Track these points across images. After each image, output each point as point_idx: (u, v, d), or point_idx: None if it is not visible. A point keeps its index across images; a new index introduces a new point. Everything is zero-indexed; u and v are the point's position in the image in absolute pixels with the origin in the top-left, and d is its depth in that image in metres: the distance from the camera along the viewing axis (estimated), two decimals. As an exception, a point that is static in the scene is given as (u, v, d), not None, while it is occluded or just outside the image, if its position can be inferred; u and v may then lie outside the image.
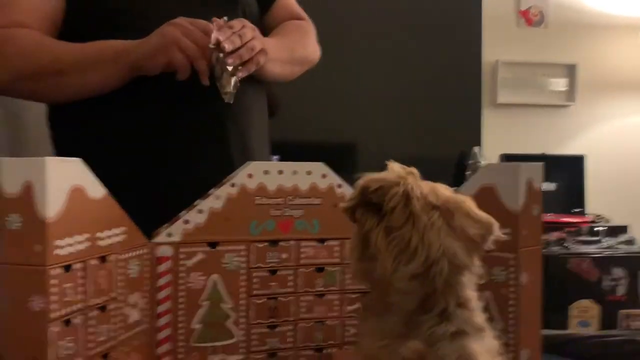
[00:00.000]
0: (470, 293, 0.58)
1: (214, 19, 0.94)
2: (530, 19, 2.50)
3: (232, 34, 0.92)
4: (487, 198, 0.75)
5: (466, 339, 0.54)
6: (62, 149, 1.06)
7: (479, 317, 0.57)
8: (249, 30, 0.96)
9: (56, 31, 0.98)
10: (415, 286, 0.54)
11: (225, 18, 0.95)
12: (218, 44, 0.91)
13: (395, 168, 0.59)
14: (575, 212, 2.03)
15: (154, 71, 0.94)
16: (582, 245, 1.60)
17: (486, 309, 0.74)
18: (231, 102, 0.96)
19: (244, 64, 0.94)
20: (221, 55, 0.91)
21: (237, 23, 0.95)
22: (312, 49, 1.20)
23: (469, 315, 0.56)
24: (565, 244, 1.61)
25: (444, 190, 0.58)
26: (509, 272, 0.73)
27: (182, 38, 0.91)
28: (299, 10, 1.24)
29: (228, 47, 0.90)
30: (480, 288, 0.75)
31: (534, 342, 0.75)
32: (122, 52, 0.94)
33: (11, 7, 0.91)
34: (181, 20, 0.93)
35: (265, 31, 1.15)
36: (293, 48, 1.13)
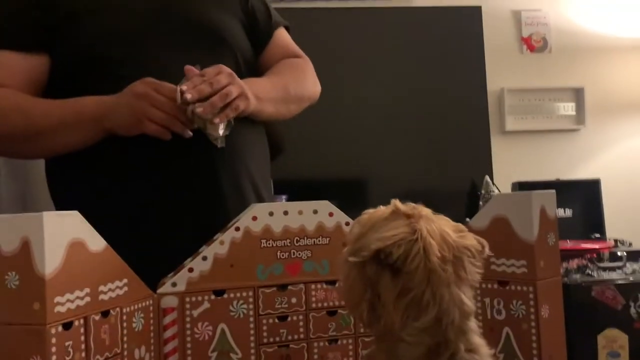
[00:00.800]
0: (479, 340, 0.56)
1: (186, 67, 0.94)
2: (533, 45, 2.51)
3: (200, 83, 0.91)
4: (500, 230, 0.73)
5: None
6: (58, 199, 1.05)
7: None
8: (224, 76, 0.95)
9: (39, 88, 0.98)
10: (425, 338, 0.52)
11: (198, 66, 0.95)
12: (182, 94, 0.91)
13: (401, 208, 0.57)
14: (594, 237, 1.98)
15: (130, 136, 0.94)
16: (605, 271, 1.55)
17: (506, 346, 0.71)
18: (223, 145, 0.97)
19: (222, 109, 0.93)
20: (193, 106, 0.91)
21: (212, 70, 0.95)
22: (309, 86, 1.19)
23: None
24: (587, 272, 1.56)
25: (450, 231, 0.56)
26: (528, 306, 0.69)
27: (151, 109, 0.91)
28: (295, 48, 1.23)
29: (191, 96, 0.89)
30: (499, 324, 0.72)
31: (561, 379, 0.71)
32: (98, 117, 0.94)
33: None
34: (146, 88, 0.92)
35: (262, 71, 1.16)
36: (287, 86, 1.12)
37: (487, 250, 0.57)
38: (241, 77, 1.01)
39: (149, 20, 1.02)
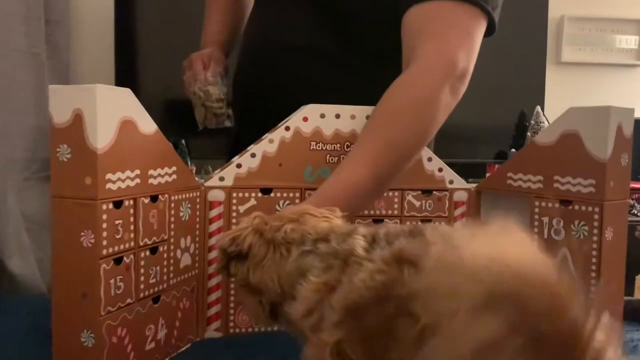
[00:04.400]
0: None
1: None
2: (600, -29, 2.31)
3: None
4: (569, 146, 0.68)
5: None
6: None
7: None
8: None
9: None
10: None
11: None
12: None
13: (245, 220, 0.58)
14: (642, 178, 1.89)
15: None
16: (652, 213, 1.49)
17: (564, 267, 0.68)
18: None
19: None
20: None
21: None
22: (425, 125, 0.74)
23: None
24: (634, 211, 1.50)
25: (275, 222, 0.56)
26: (591, 227, 0.65)
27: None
28: (423, 36, 0.76)
29: None
30: (558, 245, 0.68)
31: (617, 304, 0.68)
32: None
33: None
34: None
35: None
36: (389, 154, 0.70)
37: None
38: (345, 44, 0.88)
39: None
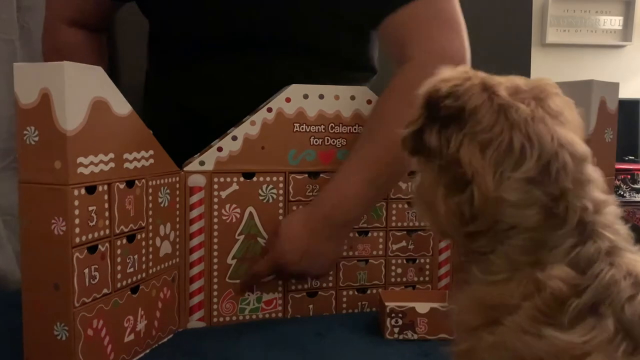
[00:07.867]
0: (602, 196, 0.40)
1: None
2: (583, -49, 2.31)
3: None
4: (555, 123, 0.66)
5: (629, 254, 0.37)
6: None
7: (624, 228, 0.40)
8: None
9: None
10: (535, 193, 0.37)
11: None
12: None
13: (448, 70, 0.42)
14: (628, 159, 1.91)
15: None
16: (638, 193, 1.50)
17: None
18: None
19: None
20: None
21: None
22: None
23: (614, 223, 0.39)
24: (619, 192, 1.51)
25: (516, 78, 0.41)
26: (580, 205, 0.64)
27: None
28: (415, 38, 0.77)
29: None
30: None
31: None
32: None
33: None
34: None
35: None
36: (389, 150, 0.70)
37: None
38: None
39: None
